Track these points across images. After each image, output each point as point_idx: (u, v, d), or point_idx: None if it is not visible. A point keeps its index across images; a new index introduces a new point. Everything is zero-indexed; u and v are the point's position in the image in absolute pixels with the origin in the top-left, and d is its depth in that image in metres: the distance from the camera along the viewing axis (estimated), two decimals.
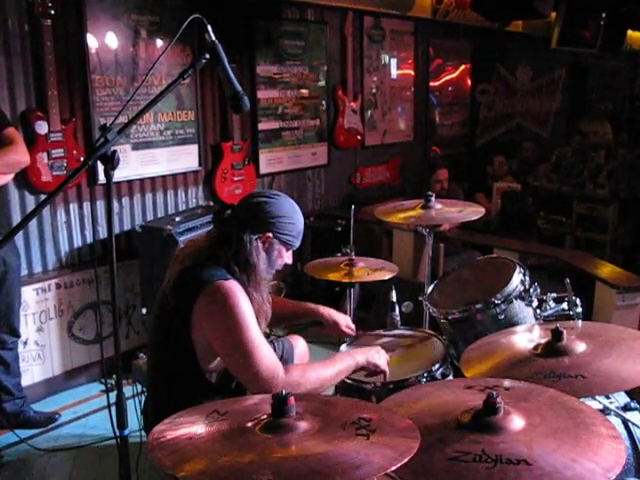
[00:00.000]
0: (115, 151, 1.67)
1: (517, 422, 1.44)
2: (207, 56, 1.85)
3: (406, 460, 1.18)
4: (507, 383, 1.68)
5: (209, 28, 1.84)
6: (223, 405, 1.46)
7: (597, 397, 2.15)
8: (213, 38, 1.84)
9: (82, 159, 3.91)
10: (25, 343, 3.81)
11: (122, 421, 1.81)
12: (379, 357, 2.31)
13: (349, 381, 2.40)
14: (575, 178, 6.81)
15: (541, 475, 1.27)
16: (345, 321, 2.76)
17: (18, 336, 3.53)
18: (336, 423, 1.34)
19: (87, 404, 3.89)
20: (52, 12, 3.65)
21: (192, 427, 1.36)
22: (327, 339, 3.99)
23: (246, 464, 1.19)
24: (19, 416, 3.57)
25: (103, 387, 4.09)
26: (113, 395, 1.85)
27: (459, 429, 1.45)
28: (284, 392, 1.32)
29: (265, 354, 2.06)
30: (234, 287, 2.10)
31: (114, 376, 3.90)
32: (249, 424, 1.34)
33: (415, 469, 1.30)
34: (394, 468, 1.16)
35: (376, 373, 2.34)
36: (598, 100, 9.79)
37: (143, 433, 2.47)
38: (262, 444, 1.27)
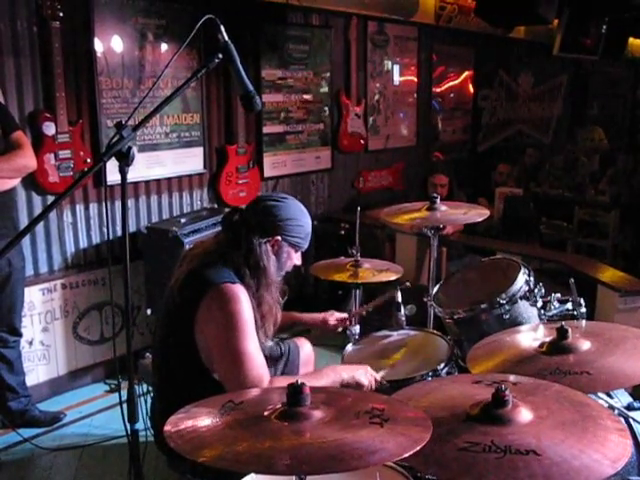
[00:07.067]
0: (130, 147, 1.69)
1: (525, 414, 1.47)
2: (220, 56, 1.88)
3: (420, 447, 1.21)
4: (513, 378, 1.71)
5: (222, 28, 1.86)
6: (238, 395, 1.49)
7: (600, 396, 2.18)
8: (226, 38, 1.87)
9: (90, 159, 3.95)
10: (30, 343, 3.83)
11: (133, 415, 1.83)
12: (365, 378, 2.29)
13: None
14: (567, 184, 6.88)
15: (550, 465, 1.30)
16: (332, 316, 2.84)
17: (20, 335, 3.55)
18: (349, 412, 1.37)
19: (92, 404, 3.91)
20: (60, 14, 3.68)
21: (208, 416, 1.39)
22: (332, 342, 4.02)
23: (264, 450, 1.22)
24: (24, 415, 3.59)
25: (108, 387, 4.11)
26: (119, 393, 1.88)
27: (468, 421, 1.48)
28: (299, 381, 1.35)
29: (255, 364, 2.08)
30: (239, 292, 2.13)
31: (119, 376, 3.94)
32: (265, 413, 1.37)
33: (426, 459, 1.33)
34: (407, 455, 1.19)
35: None
36: (597, 107, 9.84)
37: (149, 433, 2.49)
38: (279, 431, 1.30)
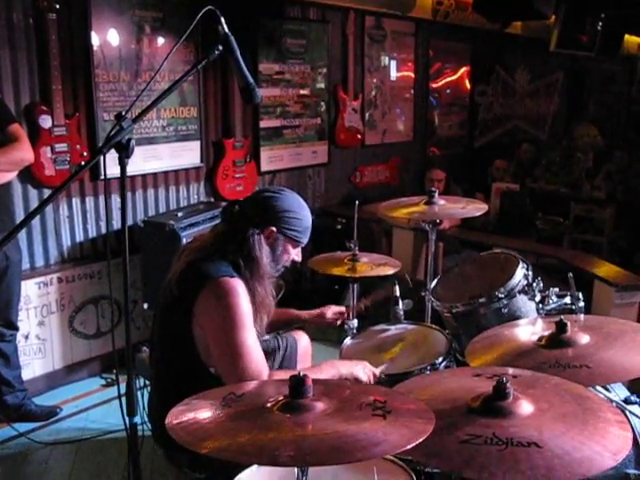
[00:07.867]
0: (130, 139, 1.68)
1: (526, 407, 1.47)
2: (220, 48, 1.87)
3: (423, 438, 1.21)
4: (513, 371, 1.71)
5: (222, 20, 1.85)
6: (239, 388, 1.48)
7: (598, 389, 2.18)
8: (226, 30, 1.86)
9: (86, 153, 3.94)
10: (26, 337, 3.82)
11: (132, 408, 1.83)
12: (363, 373, 2.29)
13: None
14: (563, 180, 6.91)
15: (551, 457, 1.30)
16: (329, 310, 2.84)
17: (16, 329, 3.53)
18: (352, 404, 1.37)
19: (88, 398, 3.90)
20: (57, 6, 3.66)
21: (210, 408, 1.38)
22: (330, 336, 4.01)
23: (267, 441, 1.22)
24: (20, 409, 3.57)
25: (104, 381, 4.10)
26: (117, 387, 1.87)
27: (469, 414, 1.48)
28: (302, 373, 1.35)
29: (254, 357, 2.09)
30: (237, 285, 2.12)
31: (116, 370, 3.93)
32: (267, 405, 1.36)
33: (428, 451, 1.33)
34: (411, 446, 1.19)
35: None
36: (593, 103, 9.85)
37: (145, 427, 2.48)
38: (281, 423, 1.30)
